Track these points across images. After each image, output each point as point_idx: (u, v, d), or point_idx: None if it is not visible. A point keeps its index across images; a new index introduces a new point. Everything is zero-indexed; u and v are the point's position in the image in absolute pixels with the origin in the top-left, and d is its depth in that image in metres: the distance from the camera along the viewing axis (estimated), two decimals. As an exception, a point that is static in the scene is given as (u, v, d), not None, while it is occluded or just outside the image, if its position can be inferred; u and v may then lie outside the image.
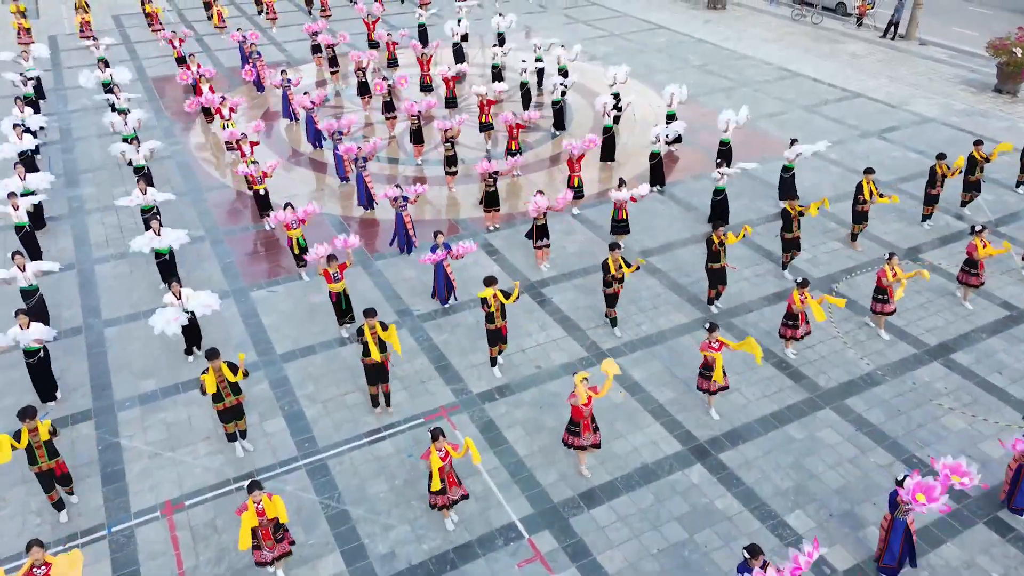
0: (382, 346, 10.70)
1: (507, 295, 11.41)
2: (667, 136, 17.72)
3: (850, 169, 18.32)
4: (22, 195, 14.86)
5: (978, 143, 15.83)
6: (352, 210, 16.97)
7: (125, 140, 17.49)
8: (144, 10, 29.93)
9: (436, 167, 18.46)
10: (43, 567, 7.67)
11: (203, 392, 9.83)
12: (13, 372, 11.90)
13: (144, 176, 16.15)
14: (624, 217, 14.80)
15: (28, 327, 10.80)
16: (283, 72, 20.91)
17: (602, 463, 10.35)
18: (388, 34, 25.27)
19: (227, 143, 18.60)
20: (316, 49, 24.84)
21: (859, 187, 14.60)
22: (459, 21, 25.43)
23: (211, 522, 9.61)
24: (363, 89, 21.46)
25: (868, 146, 19.76)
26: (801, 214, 13.70)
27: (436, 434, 8.77)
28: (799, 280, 11.59)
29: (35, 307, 12.49)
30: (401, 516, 9.63)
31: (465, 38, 26.09)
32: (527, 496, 9.89)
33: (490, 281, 11.37)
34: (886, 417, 11.08)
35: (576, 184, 16.15)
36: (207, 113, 20.84)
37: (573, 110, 21.98)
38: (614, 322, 12.80)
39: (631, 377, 11.86)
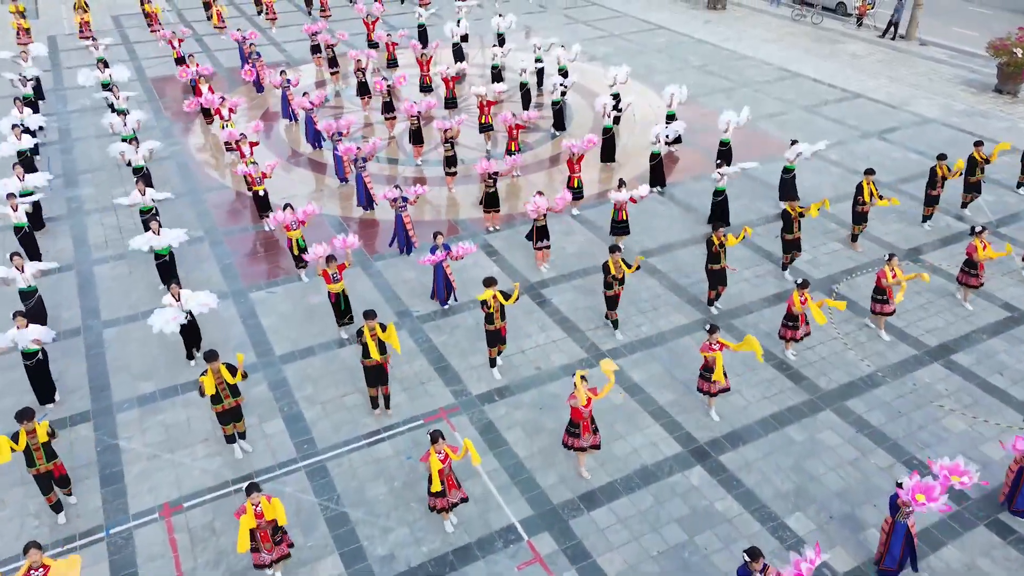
0: (382, 348, 10.67)
1: (507, 296, 11.38)
2: (667, 136, 17.69)
3: (850, 170, 18.30)
4: (20, 195, 14.84)
5: (978, 144, 15.81)
6: (351, 211, 16.95)
7: (124, 140, 17.47)
8: (143, 10, 29.90)
9: (436, 167, 18.44)
10: (41, 569, 7.64)
11: (202, 394, 9.80)
12: (12, 373, 11.86)
13: (143, 177, 16.15)
14: (624, 218, 14.78)
15: (26, 328, 10.77)
16: (283, 72, 20.88)
17: (602, 465, 10.32)
18: (388, 35, 25.24)
19: (226, 143, 18.58)
20: (316, 49, 24.82)
21: (859, 188, 14.58)
22: (459, 22, 25.42)
23: (209, 524, 9.58)
24: (363, 89, 21.44)
25: (868, 147, 19.74)
26: (802, 215, 13.68)
27: (435, 436, 8.74)
28: (799, 281, 11.57)
29: (34, 308, 12.47)
30: (400, 518, 9.61)
31: (465, 38, 26.06)
32: (527, 498, 9.87)
33: (490, 282, 11.34)
34: (887, 419, 11.06)
35: (576, 185, 16.11)
36: (207, 114, 20.81)
37: (573, 110, 21.95)
38: (615, 324, 12.78)
39: (631, 378, 11.84)
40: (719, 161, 16.46)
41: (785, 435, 10.79)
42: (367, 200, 16.62)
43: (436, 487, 8.80)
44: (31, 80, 21.03)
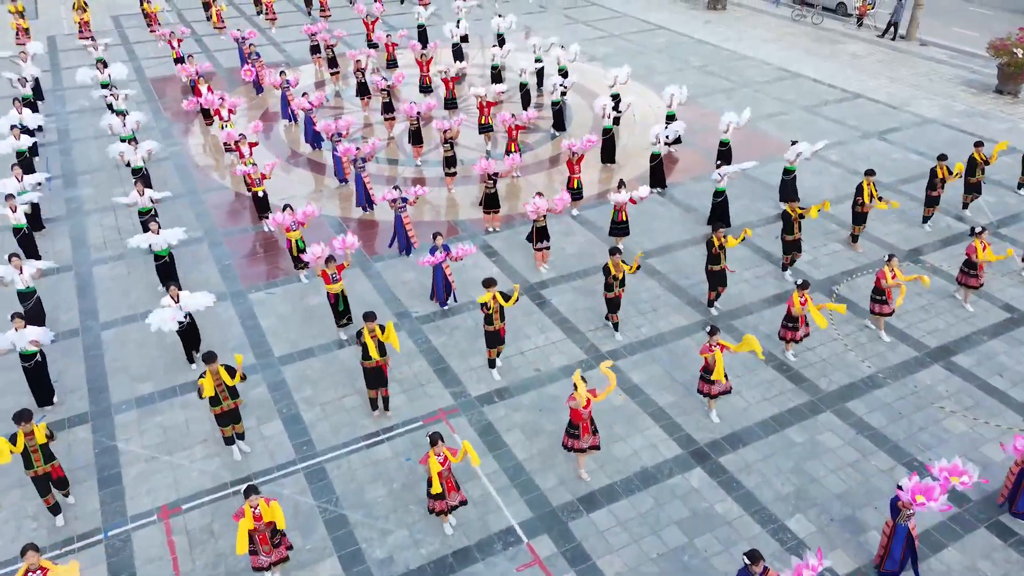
0: (381, 349, 10.64)
1: (507, 297, 11.36)
2: (667, 137, 17.67)
3: (851, 170, 18.28)
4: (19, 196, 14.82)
5: (978, 144, 15.78)
6: (351, 211, 16.92)
7: (123, 141, 17.44)
8: (143, 10, 29.89)
9: (435, 168, 18.41)
10: (39, 572, 7.61)
11: (201, 396, 9.78)
12: (11, 374, 11.83)
13: (142, 177, 16.13)
14: (624, 219, 14.75)
15: (24, 329, 10.74)
16: (282, 73, 20.85)
17: (601, 467, 10.30)
18: (387, 35, 25.22)
19: (226, 144, 18.54)
20: (315, 50, 24.79)
21: (859, 189, 14.55)
22: (458, 22, 25.39)
23: (208, 526, 9.55)
24: (362, 90, 21.42)
25: (869, 147, 19.72)
26: (802, 216, 13.65)
27: (435, 439, 8.71)
28: (799, 282, 11.54)
29: (32, 310, 12.45)
30: (399, 520, 9.58)
31: (465, 39, 26.04)
32: (526, 500, 9.84)
33: (489, 283, 11.31)
34: (887, 420, 11.03)
35: (575, 186, 16.09)
36: (206, 115, 20.79)
37: (573, 111, 21.92)
38: (616, 326, 12.75)
39: (631, 380, 11.81)
40: (719, 162, 16.44)
41: (785, 437, 10.77)
42: (366, 201, 16.59)
43: (435, 489, 8.78)
44: (30, 80, 21.01)
